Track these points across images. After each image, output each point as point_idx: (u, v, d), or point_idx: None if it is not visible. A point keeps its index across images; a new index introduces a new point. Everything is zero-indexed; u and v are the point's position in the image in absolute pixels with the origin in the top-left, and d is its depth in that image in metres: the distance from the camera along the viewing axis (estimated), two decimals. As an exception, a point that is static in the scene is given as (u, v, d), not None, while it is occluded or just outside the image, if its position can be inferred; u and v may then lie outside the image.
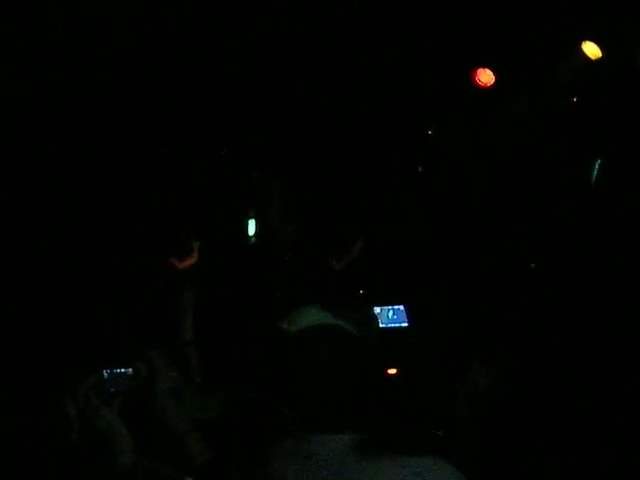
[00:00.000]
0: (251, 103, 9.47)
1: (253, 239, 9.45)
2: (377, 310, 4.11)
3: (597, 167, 8.89)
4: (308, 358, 2.76)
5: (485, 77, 9.39)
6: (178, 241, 9.08)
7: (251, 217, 9.45)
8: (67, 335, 8.11)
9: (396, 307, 4.01)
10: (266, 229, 9.39)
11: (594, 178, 8.84)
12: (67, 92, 8.85)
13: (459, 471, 2.62)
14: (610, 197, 8.62)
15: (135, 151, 9.32)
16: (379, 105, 9.59)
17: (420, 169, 9.70)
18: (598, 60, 8.75)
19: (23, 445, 3.59)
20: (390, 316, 4.04)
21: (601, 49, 8.75)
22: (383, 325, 4.06)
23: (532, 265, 8.64)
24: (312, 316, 2.83)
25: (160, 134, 9.45)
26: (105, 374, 3.24)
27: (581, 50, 8.82)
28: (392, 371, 3.30)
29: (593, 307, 7.63)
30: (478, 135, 9.47)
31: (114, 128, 9.19)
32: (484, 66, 9.36)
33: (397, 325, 4.04)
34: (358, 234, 8.16)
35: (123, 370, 3.25)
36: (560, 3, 8.60)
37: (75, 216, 9.06)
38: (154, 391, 3.27)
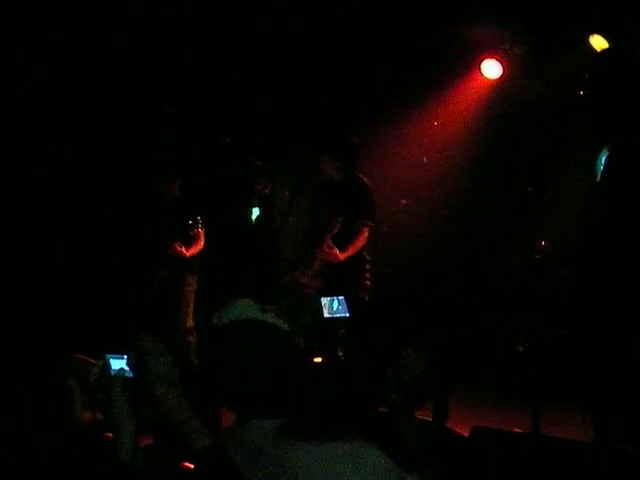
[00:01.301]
0: (253, 94, 9.50)
1: (257, 227, 9.48)
2: (324, 301, 4.13)
3: (603, 161, 8.79)
4: (230, 352, 2.86)
5: (491, 70, 9.34)
6: (184, 228, 9.13)
7: (255, 205, 9.50)
8: (69, 319, 8.21)
9: (339, 297, 4.03)
10: (270, 218, 9.41)
11: (600, 172, 8.74)
12: (66, 91, 8.91)
13: (387, 454, 2.67)
14: (616, 191, 8.52)
15: (139, 141, 9.39)
16: (382, 101, 9.60)
17: (425, 160, 9.69)
18: (605, 52, 8.65)
19: (24, 426, 3.66)
20: (335, 306, 4.06)
21: (608, 42, 8.66)
22: (329, 315, 4.09)
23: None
24: (239, 310, 2.89)
25: (162, 124, 9.50)
26: (108, 359, 3.33)
27: (588, 43, 8.74)
28: (317, 359, 3.33)
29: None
30: (484, 127, 9.45)
31: (119, 118, 9.27)
32: (490, 58, 9.31)
33: (341, 315, 4.06)
34: (364, 224, 8.06)
35: (120, 356, 3.32)
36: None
37: (79, 203, 9.16)
38: (145, 377, 3.29)
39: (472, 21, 8.87)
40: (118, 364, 3.32)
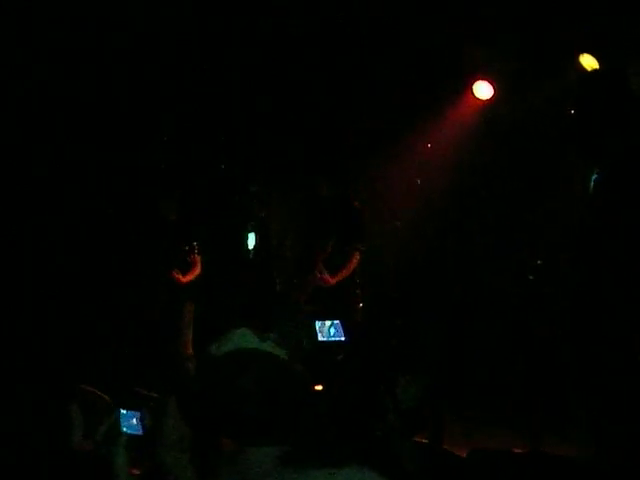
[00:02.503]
0: (250, 114, 9.52)
1: (252, 253, 9.50)
2: (318, 324, 4.16)
3: (594, 180, 8.82)
4: (228, 383, 2.86)
5: (483, 90, 9.39)
6: (180, 255, 9.16)
7: (250, 231, 9.53)
8: (72, 346, 8.21)
9: (335, 322, 4.06)
10: (265, 243, 9.43)
11: (591, 191, 8.77)
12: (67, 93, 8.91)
13: (387, 478, 2.69)
14: (608, 210, 8.56)
15: (134, 166, 9.41)
16: (379, 121, 9.62)
17: (418, 182, 9.72)
18: (595, 72, 8.70)
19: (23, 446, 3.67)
20: (330, 330, 4.08)
21: (598, 61, 8.71)
22: (324, 339, 4.12)
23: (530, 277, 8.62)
24: (237, 340, 2.90)
25: (160, 149, 9.52)
26: (120, 413, 3.25)
27: (578, 62, 8.79)
28: (318, 387, 3.35)
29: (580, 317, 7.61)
30: (476, 148, 9.48)
31: (116, 141, 9.28)
32: (482, 79, 9.36)
33: (336, 339, 4.09)
34: (355, 248, 8.14)
35: (133, 412, 3.25)
36: (557, 15, 8.58)
37: (78, 230, 9.16)
38: (159, 442, 3.25)
39: (464, 42, 8.92)
40: (129, 420, 3.24)
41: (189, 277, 9.17)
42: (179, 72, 9.36)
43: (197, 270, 9.22)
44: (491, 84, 9.32)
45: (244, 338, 2.93)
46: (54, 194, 9.12)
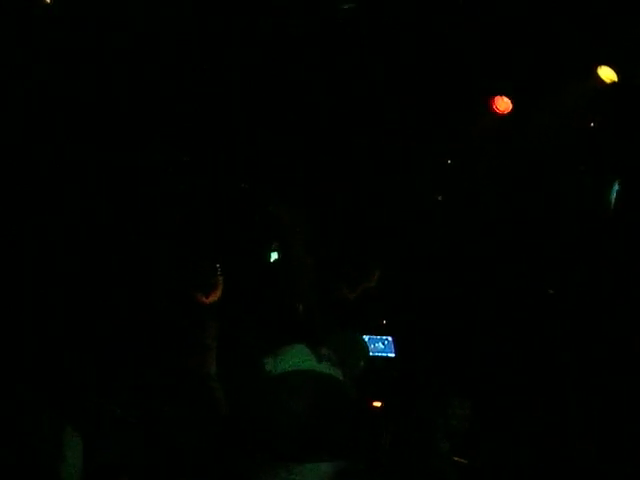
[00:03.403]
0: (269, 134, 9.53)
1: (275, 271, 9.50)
2: (367, 338, 4.18)
3: (616, 191, 8.85)
4: (284, 403, 2.85)
5: (502, 105, 9.42)
6: (203, 276, 9.15)
7: (273, 250, 9.53)
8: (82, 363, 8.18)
9: (385, 338, 4.08)
10: (288, 262, 9.43)
11: (613, 202, 8.80)
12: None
13: None
14: (629, 221, 8.59)
15: (154, 187, 9.42)
16: (396, 138, 9.64)
17: (440, 198, 9.74)
18: (614, 84, 8.73)
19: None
20: (379, 346, 4.10)
21: (617, 73, 8.74)
22: (372, 354, 4.14)
23: (550, 291, 8.65)
24: (295, 358, 2.89)
25: (180, 171, 9.54)
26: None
27: (597, 75, 8.81)
28: (377, 404, 3.36)
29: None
30: (496, 162, 9.50)
31: (137, 165, 9.30)
32: (501, 94, 9.39)
33: (384, 355, 4.10)
34: (376, 264, 8.20)
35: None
36: (575, 28, 8.59)
37: (98, 253, 9.16)
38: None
39: (481, 58, 8.94)
40: None
41: (212, 298, 9.15)
42: (194, 92, 9.37)
43: (219, 291, 9.21)
44: (510, 98, 9.35)
45: (301, 356, 2.91)
46: (77, 216, 9.13)
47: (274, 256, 9.50)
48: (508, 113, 9.42)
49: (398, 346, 3.98)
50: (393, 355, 3.88)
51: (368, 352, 4.05)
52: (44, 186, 9.04)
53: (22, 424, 3.65)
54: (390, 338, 3.89)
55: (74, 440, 3.66)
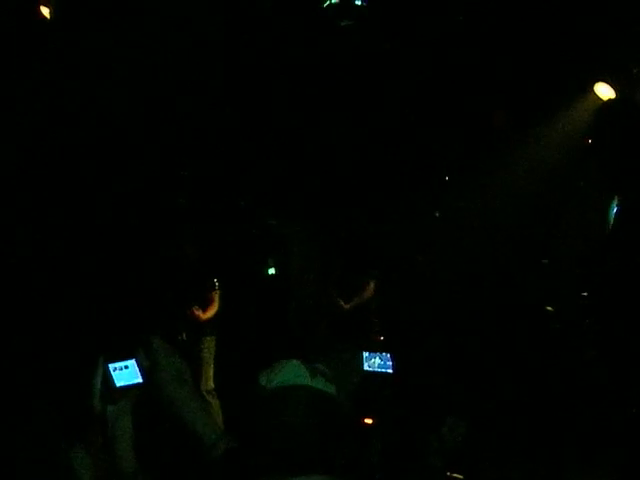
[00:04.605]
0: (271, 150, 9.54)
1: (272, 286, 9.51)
2: (366, 355, 4.17)
3: (614, 209, 8.84)
4: (277, 417, 2.85)
5: (501, 120, 9.44)
6: (200, 292, 9.15)
7: (271, 266, 9.53)
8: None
9: (383, 354, 4.07)
10: (287, 277, 9.44)
11: (611, 220, 8.79)
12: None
13: None
14: (628, 239, 8.58)
15: (154, 202, 9.42)
16: (397, 154, 9.65)
17: (437, 214, 9.74)
18: (611, 101, 8.74)
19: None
20: (377, 362, 4.09)
21: (614, 90, 8.75)
22: (369, 369, 4.12)
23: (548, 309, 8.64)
24: (289, 373, 2.88)
25: (177, 187, 9.54)
26: (110, 368, 3.11)
27: (594, 92, 8.83)
28: (368, 420, 3.34)
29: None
30: (495, 179, 9.51)
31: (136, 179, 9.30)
32: (500, 109, 9.40)
33: (382, 371, 4.09)
34: (371, 276, 8.19)
35: (126, 362, 3.12)
36: (573, 46, 8.61)
37: (96, 270, 9.15)
38: (158, 380, 3.18)
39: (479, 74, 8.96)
40: (121, 371, 3.11)
41: (209, 314, 9.15)
42: (200, 107, 9.39)
43: (216, 306, 9.21)
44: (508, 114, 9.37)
45: (296, 372, 2.90)
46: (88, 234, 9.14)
47: (272, 271, 9.50)
48: (506, 128, 9.44)
49: (396, 363, 3.98)
50: (391, 372, 3.87)
51: (363, 368, 4.04)
52: (44, 192, 9.06)
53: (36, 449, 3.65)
54: (388, 355, 3.88)
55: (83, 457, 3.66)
